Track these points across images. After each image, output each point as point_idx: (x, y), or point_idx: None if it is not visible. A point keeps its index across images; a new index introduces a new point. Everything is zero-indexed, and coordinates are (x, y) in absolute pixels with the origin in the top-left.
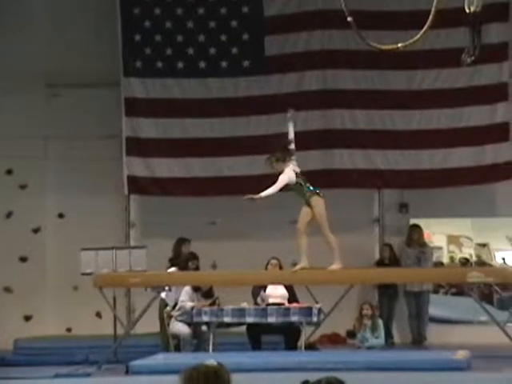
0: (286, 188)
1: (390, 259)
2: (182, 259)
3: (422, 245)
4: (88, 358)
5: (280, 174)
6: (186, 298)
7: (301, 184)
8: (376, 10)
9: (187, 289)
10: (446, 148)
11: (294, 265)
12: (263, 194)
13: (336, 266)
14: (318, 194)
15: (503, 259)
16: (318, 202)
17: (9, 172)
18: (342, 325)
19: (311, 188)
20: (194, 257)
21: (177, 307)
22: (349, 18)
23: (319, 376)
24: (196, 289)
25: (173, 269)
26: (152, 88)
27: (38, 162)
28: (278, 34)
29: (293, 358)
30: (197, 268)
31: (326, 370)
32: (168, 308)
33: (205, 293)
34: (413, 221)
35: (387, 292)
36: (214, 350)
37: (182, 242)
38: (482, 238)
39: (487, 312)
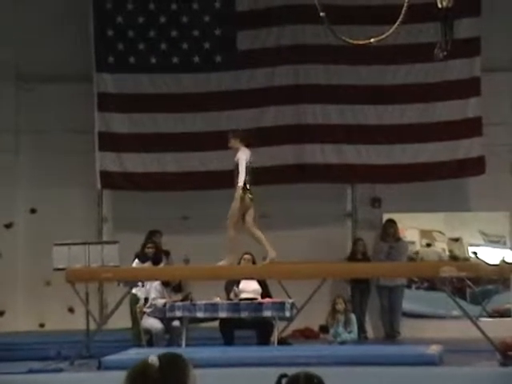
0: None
1: (363, 254)
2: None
3: (397, 239)
4: (60, 353)
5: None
6: (156, 294)
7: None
8: (348, 4)
9: (156, 285)
10: (419, 143)
11: (265, 259)
12: (240, 183)
13: (224, 262)
14: (245, 189)
15: (475, 253)
16: (239, 196)
17: None
18: (315, 319)
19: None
20: (151, 241)
21: (148, 304)
22: (321, 13)
23: (292, 371)
24: (165, 284)
25: (136, 261)
26: (124, 83)
27: (9, 157)
28: (250, 29)
29: (265, 353)
30: (155, 254)
31: (299, 364)
32: (140, 303)
33: (174, 287)
34: (386, 215)
35: (360, 286)
36: (186, 345)
37: (152, 234)
38: (454, 232)
39: (460, 306)
